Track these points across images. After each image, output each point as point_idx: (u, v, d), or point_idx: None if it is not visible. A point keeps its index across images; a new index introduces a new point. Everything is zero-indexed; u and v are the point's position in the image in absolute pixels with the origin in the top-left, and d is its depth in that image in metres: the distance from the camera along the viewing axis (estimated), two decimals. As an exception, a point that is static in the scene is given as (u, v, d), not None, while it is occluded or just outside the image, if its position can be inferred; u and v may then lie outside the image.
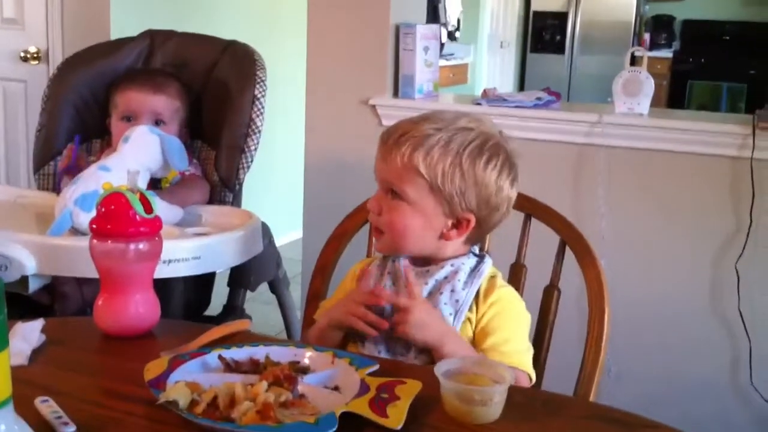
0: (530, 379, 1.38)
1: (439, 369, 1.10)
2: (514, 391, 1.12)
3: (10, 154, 3.79)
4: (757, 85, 7.45)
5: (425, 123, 1.37)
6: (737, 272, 2.41)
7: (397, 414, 1.04)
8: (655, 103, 2.58)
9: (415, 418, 1.06)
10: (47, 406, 1.06)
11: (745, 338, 2.43)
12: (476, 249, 1.46)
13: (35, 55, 3.64)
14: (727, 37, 7.97)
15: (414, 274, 1.39)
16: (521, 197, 1.64)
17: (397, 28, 2.76)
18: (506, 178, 1.38)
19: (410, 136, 1.35)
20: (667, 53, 7.96)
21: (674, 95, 7.75)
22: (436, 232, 1.38)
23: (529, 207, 1.65)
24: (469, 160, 1.34)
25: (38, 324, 1.31)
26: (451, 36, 6.19)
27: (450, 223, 1.38)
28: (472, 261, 1.42)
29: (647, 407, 2.50)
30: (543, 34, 8.13)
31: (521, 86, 8.17)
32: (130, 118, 2.11)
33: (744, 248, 2.39)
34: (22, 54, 3.65)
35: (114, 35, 3.35)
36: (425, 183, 1.34)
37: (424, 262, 1.42)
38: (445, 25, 5.94)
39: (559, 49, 8.07)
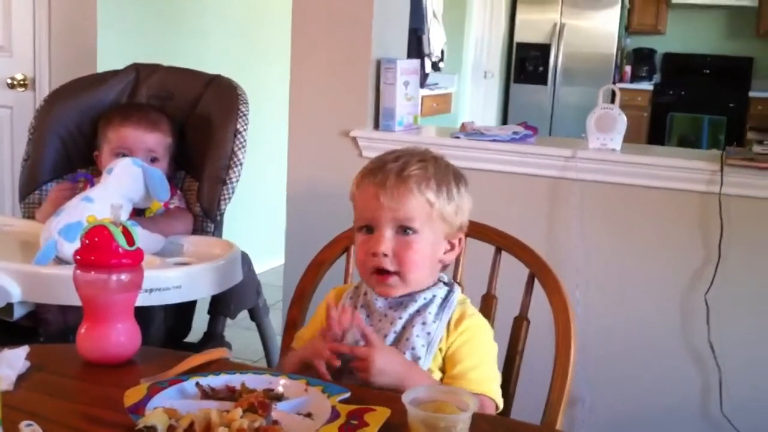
0: (497, 407, 1.42)
1: (407, 397, 1.14)
2: (479, 419, 1.16)
3: (-5, 181, 3.82)
4: (737, 117, 7.57)
5: (408, 158, 1.44)
6: (707, 303, 2.46)
7: (365, 440, 1.08)
8: (635, 135, 2.64)
9: (382, 444, 1.10)
10: (32, 430, 1.10)
11: (715, 368, 2.48)
12: (444, 277, 1.52)
13: (22, 82, 3.68)
14: (708, 71, 8.10)
15: (383, 311, 1.46)
16: (491, 231, 1.71)
17: (379, 63, 2.82)
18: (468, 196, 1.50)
19: (410, 172, 1.42)
20: (647, 86, 8.08)
21: (655, 127, 7.84)
22: (437, 258, 1.47)
23: (500, 240, 1.70)
24: (454, 182, 1.46)
25: (23, 351, 1.35)
26: (435, 66, 6.26)
27: (447, 245, 1.48)
28: (443, 291, 1.48)
29: (620, 436, 2.58)
30: (526, 64, 8.22)
31: (504, 115, 8.25)
32: (125, 155, 2.15)
33: (713, 280, 2.45)
34: (9, 81, 3.68)
35: (100, 63, 3.40)
36: (432, 211, 1.43)
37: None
38: (429, 55, 6.00)
39: (542, 79, 8.16)
